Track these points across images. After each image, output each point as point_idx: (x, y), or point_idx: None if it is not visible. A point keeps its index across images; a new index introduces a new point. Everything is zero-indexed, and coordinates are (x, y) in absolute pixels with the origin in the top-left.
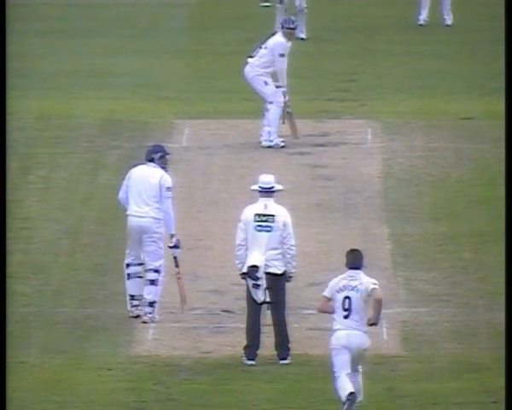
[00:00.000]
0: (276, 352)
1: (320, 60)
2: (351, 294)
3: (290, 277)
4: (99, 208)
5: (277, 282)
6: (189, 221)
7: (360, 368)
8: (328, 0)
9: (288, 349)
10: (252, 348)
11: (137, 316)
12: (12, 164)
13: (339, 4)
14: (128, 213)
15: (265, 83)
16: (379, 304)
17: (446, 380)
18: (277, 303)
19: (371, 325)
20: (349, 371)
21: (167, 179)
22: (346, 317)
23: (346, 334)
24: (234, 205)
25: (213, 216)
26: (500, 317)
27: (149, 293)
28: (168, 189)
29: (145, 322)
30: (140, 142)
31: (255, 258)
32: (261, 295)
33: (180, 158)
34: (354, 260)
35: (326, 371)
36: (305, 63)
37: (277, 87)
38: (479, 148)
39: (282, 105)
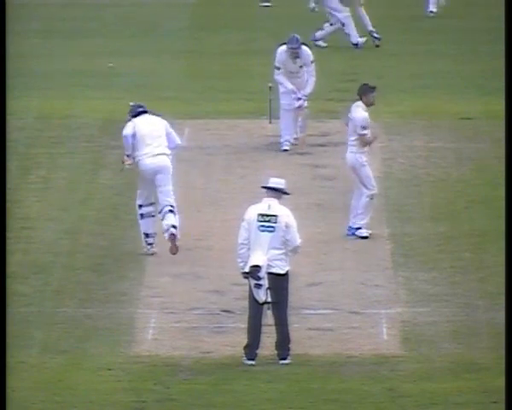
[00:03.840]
0: (276, 351)
1: (320, 60)
2: None
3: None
4: (99, 208)
5: (280, 282)
6: (189, 221)
7: None
8: None
9: (289, 349)
10: (252, 347)
11: (153, 254)
12: (12, 164)
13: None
14: (141, 154)
15: (280, 83)
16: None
17: (446, 380)
18: (279, 303)
19: None
20: None
21: (165, 121)
22: None
23: None
24: (234, 205)
25: (213, 216)
26: (500, 317)
27: (171, 218)
28: (170, 127)
29: (173, 234)
30: None
31: (257, 258)
32: (263, 295)
33: (180, 158)
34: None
35: (326, 371)
36: None
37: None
38: (479, 148)
39: (287, 108)
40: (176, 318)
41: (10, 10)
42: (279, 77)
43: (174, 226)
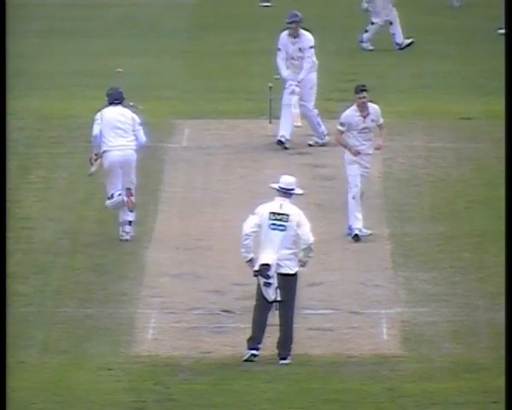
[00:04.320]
0: (277, 351)
1: (320, 60)
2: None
3: (304, 265)
4: (99, 208)
5: (288, 282)
6: (189, 221)
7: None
8: (328, 0)
9: (290, 350)
10: (255, 340)
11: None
12: (12, 164)
13: (338, 4)
14: (107, 148)
15: (277, 67)
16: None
17: (446, 380)
18: (287, 302)
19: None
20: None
21: (136, 116)
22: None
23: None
24: (234, 205)
25: (213, 216)
26: (500, 317)
27: (128, 214)
28: (139, 123)
29: (125, 239)
30: None
31: (267, 256)
32: (272, 294)
33: (180, 158)
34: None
35: (326, 371)
36: None
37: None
38: (479, 148)
39: (288, 103)
40: (176, 318)
41: (10, 10)
42: (278, 60)
43: (130, 223)
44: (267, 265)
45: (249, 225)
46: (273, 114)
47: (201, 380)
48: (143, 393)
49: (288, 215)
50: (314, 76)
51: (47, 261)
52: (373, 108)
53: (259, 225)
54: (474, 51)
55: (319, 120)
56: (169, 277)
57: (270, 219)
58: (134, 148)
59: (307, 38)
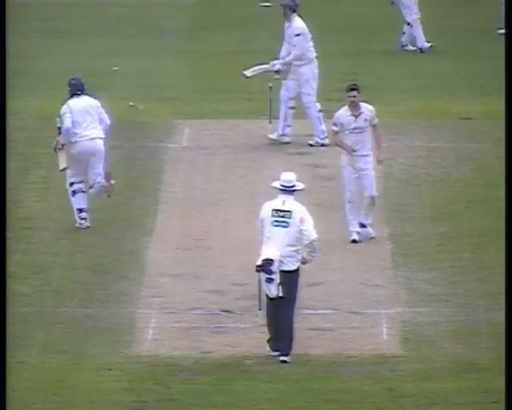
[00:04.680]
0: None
1: (320, 60)
2: None
3: (306, 262)
4: (99, 208)
5: (290, 278)
6: (188, 221)
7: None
8: (328, 0)
9: (291, 348)
10: (275, 340)
11: (87, 228)
12: (12, 164)
13: (339, 4)
14: (78, 139)
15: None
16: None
17: (446, 380)
18: (288, 299)
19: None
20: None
21: (97, 102)
22: None
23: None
24: (234, 205)
25: (213, 216)
26: (500, 317)
27: (83, 202)
28: (101, 106)
29: (106, 176)
30: (140, 142)
31: (270, 252)
32: (274, 290)
33: (180, 158)
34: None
35: (326, 371)
36: None
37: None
38: (479, 148)
39: (284, 99)
40: (176, 318)
41: (10, 10)
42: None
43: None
44: (270, 260)
45: (258, 231)
46: (273, 114)
47: (201, 380)
48: (143, 393)
49: (290, 212)
50: (308, 69)
51: (47, 261)
52: (366, 108)
53: (264, 226)
54: (474, 51)
55: (320, 116)
56: (169, 277)
57: (273, 216)
58: (103, 136)
59: (295, 25)
